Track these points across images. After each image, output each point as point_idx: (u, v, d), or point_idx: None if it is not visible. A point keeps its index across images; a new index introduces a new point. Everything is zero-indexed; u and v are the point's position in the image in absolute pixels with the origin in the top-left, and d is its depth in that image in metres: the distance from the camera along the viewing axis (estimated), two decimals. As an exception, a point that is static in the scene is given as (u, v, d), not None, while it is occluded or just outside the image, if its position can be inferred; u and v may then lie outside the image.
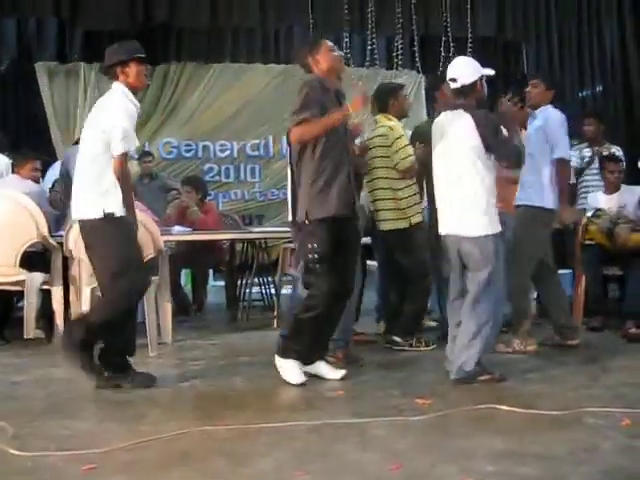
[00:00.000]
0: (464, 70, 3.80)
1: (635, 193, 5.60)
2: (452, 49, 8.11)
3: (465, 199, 3.75)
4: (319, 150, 3.71)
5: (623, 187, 5.58)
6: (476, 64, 3.87)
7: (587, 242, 5.46)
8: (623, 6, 8.67)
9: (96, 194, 3.70)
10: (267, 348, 4.79)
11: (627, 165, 6.19)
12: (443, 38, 8.14)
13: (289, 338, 3.84)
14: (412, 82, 8.44)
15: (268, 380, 3.91)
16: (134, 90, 3.79)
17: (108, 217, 3.67)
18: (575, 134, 7.03)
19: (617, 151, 6.09)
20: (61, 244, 4.89)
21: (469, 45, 8.13)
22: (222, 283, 6.92)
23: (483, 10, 8.21)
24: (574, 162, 6.12)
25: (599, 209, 5.46)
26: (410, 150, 4.63)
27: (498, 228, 3.79)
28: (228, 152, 9.57)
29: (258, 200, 9.65)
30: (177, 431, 2.98)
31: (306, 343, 3.84)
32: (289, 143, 3.94)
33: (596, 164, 5.95)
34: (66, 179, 5.34)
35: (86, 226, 3.80)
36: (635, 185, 5.83)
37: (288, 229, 4.78)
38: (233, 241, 6.42)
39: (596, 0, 8.68)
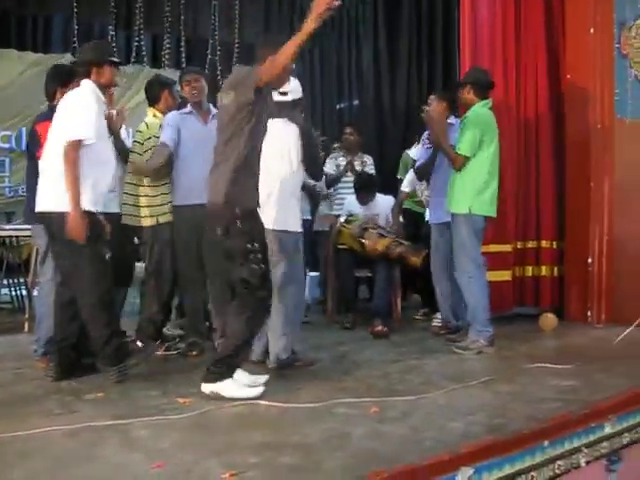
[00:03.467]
0: (295, 87, 4.18)
1: (387, 202, 6.08)
2: (219, 52, 8.19)
3: (274, 196, 4.05)
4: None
5: (377, 196, 6.02)
6: (299, 83, 4.25)
7: (340, 246, 5.83)
8: (378, 29, 9.38)
9: None
10: (18, 352, 4.55)
11: (379, 174, 6.72)
12: (210, 41, 8.20)
13: (234, 355, 3.52)
14: (177, 81, 8.37)
15: (20, 385, 3.72)
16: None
17: None
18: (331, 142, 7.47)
19: (368, 160, 6.57)
20: None
21: (236, 50, 8.28)
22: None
23: (250, 17, 8.40)
24: (329, 169, 6.51)
25: (351, 215, 5.84)
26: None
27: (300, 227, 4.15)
28: (-26, 143, 8.81)
29: (7, 196, 8.96)
30: None
31: (246, 353, 3.69)
32: None
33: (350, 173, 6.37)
34: None
35: None
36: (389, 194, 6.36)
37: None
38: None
39: (355, 20, 9.28)
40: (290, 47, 3.27)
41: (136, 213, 4.62)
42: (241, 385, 3.51)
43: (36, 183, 3.85)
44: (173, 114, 4.66)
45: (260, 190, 3.75)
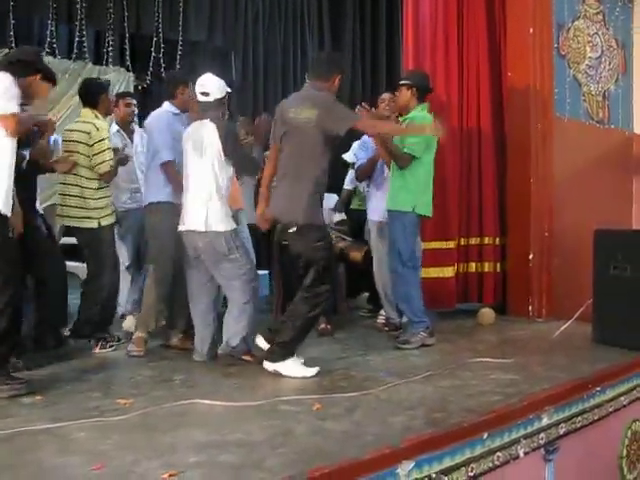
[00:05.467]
0: (216, 87, 4.25)
1: (330, 200, 6.08)
2: (162, 50, 8.08)
3: (203, 197, 4.14)
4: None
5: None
6: (223, 82, 4.33)
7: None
8: (323, 28, 9.40)
9: None
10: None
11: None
12: (154, 38, 8.07)
13: (292, 341, 3.93)
14: (120, 79, 8.23)
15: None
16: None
17: None
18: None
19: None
20: None
21: (179, 48, 8.18)
22: None
23: (195, 15, 8.28)
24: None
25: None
26: (110, 154, 4.62)
27: (233, 225, 4.20)
28: None
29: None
30: None
31: (301, 340, 4.01)
32: None
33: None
34: None
35: None
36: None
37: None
38: None
39: (300, 19, 9.28)
40: (386, 129, 4.56)
41: (81, 215, 4.60)
42: (299, 364, 3.91)
43: None
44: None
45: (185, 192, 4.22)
